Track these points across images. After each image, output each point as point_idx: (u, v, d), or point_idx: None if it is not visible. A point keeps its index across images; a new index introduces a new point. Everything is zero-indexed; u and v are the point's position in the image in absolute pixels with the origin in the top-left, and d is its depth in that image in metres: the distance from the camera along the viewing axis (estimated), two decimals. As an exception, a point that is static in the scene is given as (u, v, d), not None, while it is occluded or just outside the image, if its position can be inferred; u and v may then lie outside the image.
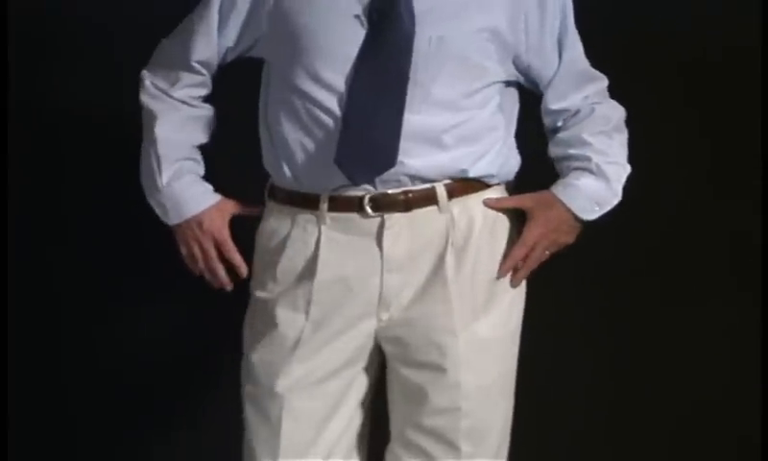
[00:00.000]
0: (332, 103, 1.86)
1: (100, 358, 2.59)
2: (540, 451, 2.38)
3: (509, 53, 1.93)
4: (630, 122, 2.03)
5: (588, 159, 1.96)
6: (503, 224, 1.97)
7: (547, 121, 2.02)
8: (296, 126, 1.90)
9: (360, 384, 1.98)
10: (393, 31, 1.84)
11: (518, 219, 1.98)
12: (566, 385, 2.54)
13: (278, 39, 1.92)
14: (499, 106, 1.95)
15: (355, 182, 1.87)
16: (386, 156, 1.85)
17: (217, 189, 2.02)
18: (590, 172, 1.96)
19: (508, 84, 1.97)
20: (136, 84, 2.02)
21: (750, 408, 2.50)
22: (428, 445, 1.95)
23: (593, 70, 2.02)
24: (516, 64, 1.95)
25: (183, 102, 2.00)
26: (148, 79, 2.01)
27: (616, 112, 2.02)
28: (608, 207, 1.97)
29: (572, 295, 2.49)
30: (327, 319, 1.91)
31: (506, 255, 1.96)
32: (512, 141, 2.00)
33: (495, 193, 1.97)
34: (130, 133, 2.06)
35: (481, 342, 1.93)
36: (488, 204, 1.94)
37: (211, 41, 1.97)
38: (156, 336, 2.59)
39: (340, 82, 1.85)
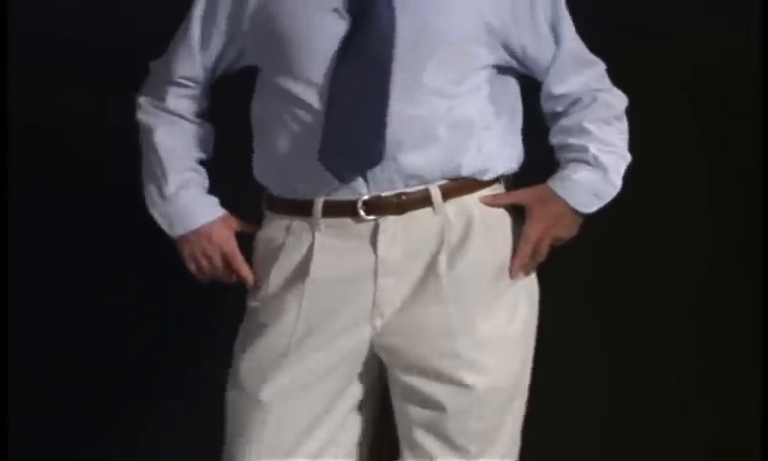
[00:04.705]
0: (314, 99, 1.85)
1: (98, 359, 2.61)
2: (545, 451, 2.35)
3: (497, 37, 1.90)
4: (630, 122, 1.99)
5: (586, 150, 1.93)
6: (501, 221, 1.94)
7: (548, 106, 1.99)
8: (282, 129, 1.89)
9: (353, 391, 1.95)
10: (372, 23, 1.83)
11: (518, 215, 1.96)
12: (562, 385, 2.49)
13: (262, 46, 1.92)
14: (491, 95, 1.92)
15: (342, 179, 1.85)
16: (371, 148, 1.83)
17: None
18: (587, 163, 1.93)
19: (501, 71, 1.94)
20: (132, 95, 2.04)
21: (750, 408, 2.46)
22: (435, 448, 1.93)
23: (590, 54, 2.00)
24: (508, 49, 1.93)
25: (179, 115, 2.00)
26: (141, 99, 2.02)
27: (618, 101, 1.99)
28: (608, 198, 1.95)
29: (569, 296, 2.43)
30: (318, 326, 1.89)
31: (513, 254, 1.93)
32: (511, 137, 1.97)
33: (492, 191, 1.94)
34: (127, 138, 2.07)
35: (484, 342, 1.90)
36: (484, 201, 1.92)
37: (194, 60, 1.98)
38: (154, 337, 2.60)
39: (321, 77, 1.84)
